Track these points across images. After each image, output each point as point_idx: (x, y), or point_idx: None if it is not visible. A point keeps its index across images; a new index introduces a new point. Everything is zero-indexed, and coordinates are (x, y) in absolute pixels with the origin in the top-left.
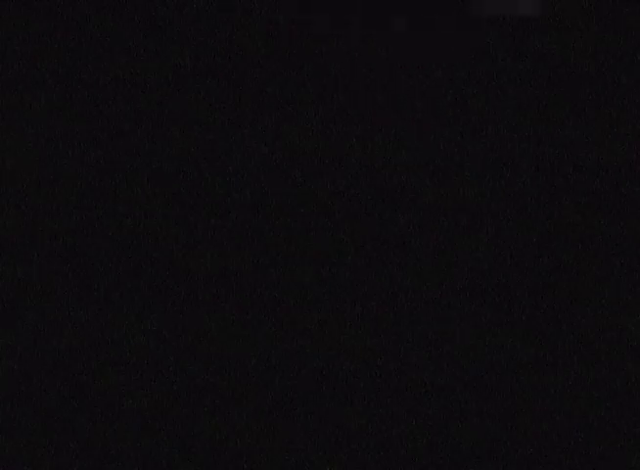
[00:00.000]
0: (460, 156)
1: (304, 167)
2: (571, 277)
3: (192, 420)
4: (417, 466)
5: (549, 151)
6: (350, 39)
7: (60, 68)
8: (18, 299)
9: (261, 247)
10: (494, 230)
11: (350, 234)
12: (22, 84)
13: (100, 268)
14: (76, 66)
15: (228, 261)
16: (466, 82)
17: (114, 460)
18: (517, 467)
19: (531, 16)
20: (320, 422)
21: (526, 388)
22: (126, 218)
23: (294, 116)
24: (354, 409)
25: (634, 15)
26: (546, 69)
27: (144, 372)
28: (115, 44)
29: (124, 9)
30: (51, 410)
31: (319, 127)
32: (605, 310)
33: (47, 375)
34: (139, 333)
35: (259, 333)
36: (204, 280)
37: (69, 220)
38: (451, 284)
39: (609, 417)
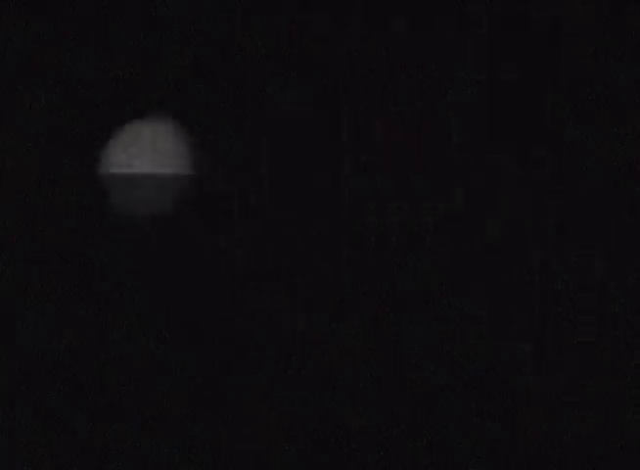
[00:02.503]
0: (459, 156)
1: (304, 167)
2: (571, 277)
3: (192, 420)
4: (417, 466)
5: (549, 151)
6: (350, 39)
7: (60, 68)
8: (18, 299)
9: (261, 246)
10: (494, 230)
11: (349, 233)
12: (22, 84)
13: (100, 268)
14: (76, 66)
15: (227, 261)
16: (465, 82)
17: (115, 460)
18: (517, 467)
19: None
20: (320, 422)
21: (526, 388)
22: (126, 218)
23: (293, 115)
24: (354, 409)
25: (634, 15)
26: (546, 68)
27: (144, 372)
28: (115, 44)
29: (124, 9)
30: (51, 410)
31: (319, 127)
32: (605, 310)
33: (47, 375)
34: (139, 333)
35: (259, 332)
36: (204, 280)
37: (70, 220)
38: (451, 284)
39: (608, 417)
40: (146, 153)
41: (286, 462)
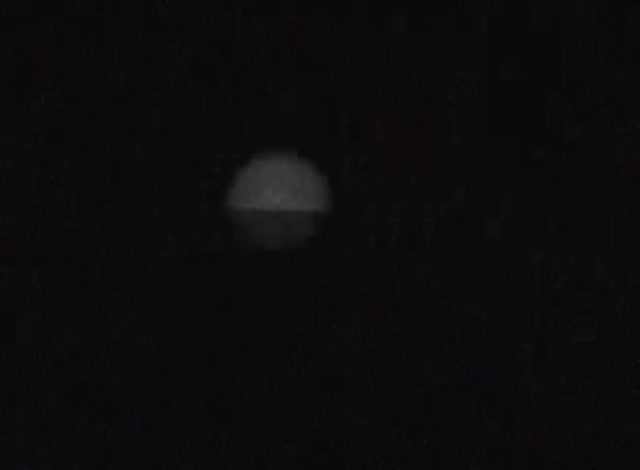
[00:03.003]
0: (459, 156)
1: (304, 167)
2: (571, 277)
3: (192, 420)
4: (417, 466)
5: (549, 151)
6: (350, 39)
7: (60, 67)
8: (18, 299)
9: (260, 246)
10: (494, 230)
11: (349, 233)
12: (22, 84)
13: (100, 268)
14: (76, 66)
15: (227, 262)
16: (465, 82)
17: (115, 460)
18: (517, 467)
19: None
20: (320, 422)
21: (526, 388)
22: (126, 218)
23: (293, 115)
24: (354, 409)
25: (634, 15)
26: (546, 68)
27: (144, 372)
28: (116, 44)
29: (124, 9)
30: (51, 410)
31: (319, 127)
32: (605, 310)
33: (47, 375)
34: (138, 333)
35: (259, 332)
36: (204, 280)
37: (69, 221)
38: (451, 284)
39: (609, 417)
40: (276, 189)
41: (286, 462)
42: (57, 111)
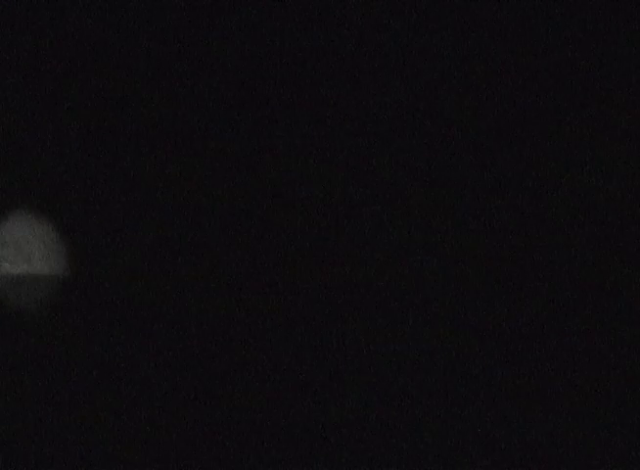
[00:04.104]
0: (458, 156)
1: (303, 167)
2: (571, 276)
3: (192, 421)
4: (417, 466)
5: (549, 151)
6: (350, 39)
7: (59, 69)
8: (18, 299)
9: (259, 247)
10: (494, 230)
11: (349, 233)
12: (23, 84)
13: (100, 268)
14: (77, 66)
15: (226, 264)
16: (463, 82)
17: (115, 460)
18: (517, 467)
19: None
20: (320, 422)
21: (526, 388)
22: (126, 219)
23: (293, 116)
24: (354, 409)
25: (634, 14)
26: (547, 68)
27: (144, 373)
28: (115, 44)
29: (124, 9)
30: (51, 410)
31: (319, 127)
32: (605, 308)
33: (47, 375)
34: (139, 333)
35: (258, 332)
36: (203, 280)
37: (69, 220)
38: (451, 284)
39: (609, 417)
40: (15, 253)
41: (285, 462)
42: (56, 110)
